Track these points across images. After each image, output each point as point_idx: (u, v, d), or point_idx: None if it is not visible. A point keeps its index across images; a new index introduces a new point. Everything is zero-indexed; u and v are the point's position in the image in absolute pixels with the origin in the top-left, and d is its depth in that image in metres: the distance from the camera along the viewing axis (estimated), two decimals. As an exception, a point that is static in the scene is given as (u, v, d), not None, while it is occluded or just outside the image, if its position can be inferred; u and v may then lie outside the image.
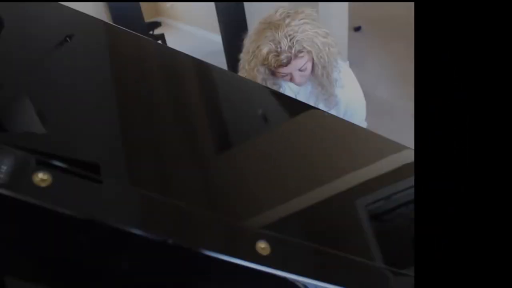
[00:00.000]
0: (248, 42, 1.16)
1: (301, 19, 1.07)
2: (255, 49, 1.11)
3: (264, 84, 1.17)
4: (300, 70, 1.13)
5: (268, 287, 0.40)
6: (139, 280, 0.37)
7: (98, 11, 3.06)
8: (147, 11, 4.67)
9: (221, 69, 0.67)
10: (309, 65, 1.13)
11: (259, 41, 1.08)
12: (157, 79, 0.61)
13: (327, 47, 1.12)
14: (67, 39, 0.53)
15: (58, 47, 0.50)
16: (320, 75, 1.17)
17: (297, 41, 1.05)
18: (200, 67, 0.64)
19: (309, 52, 1.09)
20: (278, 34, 1.04)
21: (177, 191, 0.41)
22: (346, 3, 3.15)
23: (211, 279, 0.39)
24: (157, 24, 3.95)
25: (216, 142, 0.56)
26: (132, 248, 0.33)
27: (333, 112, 1.27)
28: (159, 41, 3.79)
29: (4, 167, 0.28)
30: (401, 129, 2.67)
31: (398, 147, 0.73)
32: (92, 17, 0.57)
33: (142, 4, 4.03)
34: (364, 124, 1.43)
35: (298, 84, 1.21)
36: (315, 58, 1.11)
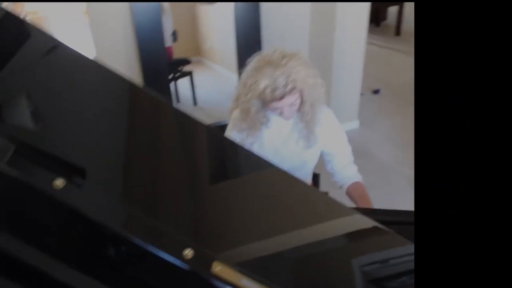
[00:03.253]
0: (245, 77, 1.29)
1: (297, 60, 1.23)
2: (252, 83, 1.24)
3: (255, 115, 1.32)
4: (290, 105, 1.27)
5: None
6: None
7: (129, 53, 2.75)
8: (189, 51, 5.09)
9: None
10: (298, 101, 1.28)
11: (257, 76, 1.22)
12: (166, 135, 0.73)
13: (316, 86, 1.29)
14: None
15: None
16: (306, 112, 1.33)
17: (292, 80, 1.20)
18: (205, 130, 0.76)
19: (300, 90, 1.25)
20: (276, 72, 1.19)
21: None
22: (361, 67, 3.38)
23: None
24: (186, 62, 4.15)
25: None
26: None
27: (313, 149, 1.43)
28: (186, 77, 4.01)
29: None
30: (395, 192, 2.76)
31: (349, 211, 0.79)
32: (118, 75, 0.68)
33: (183, 43, 4.31)
34: (353, 167, 1.51)
35: (286, 118, 1.33)
36: (305, 96, 1.27)
